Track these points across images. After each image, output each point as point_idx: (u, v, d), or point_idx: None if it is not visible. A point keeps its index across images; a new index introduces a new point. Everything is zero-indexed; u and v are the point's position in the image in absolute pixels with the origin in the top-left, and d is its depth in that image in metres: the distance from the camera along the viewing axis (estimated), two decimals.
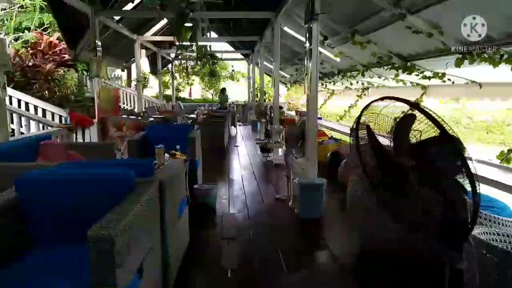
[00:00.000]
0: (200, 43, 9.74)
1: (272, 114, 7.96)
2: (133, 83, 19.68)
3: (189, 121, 8.13)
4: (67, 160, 3.22)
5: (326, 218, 3.94)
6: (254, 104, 13.82)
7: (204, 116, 10.65)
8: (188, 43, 7.61)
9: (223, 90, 14.39)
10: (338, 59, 7.69)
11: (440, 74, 5.05)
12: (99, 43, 6.39)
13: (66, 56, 8.45)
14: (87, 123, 6.11)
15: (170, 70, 15.96)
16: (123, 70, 14.74)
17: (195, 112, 10.84)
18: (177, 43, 7.17)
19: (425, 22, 4.06)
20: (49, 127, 6.57)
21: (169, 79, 19.93)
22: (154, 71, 15.81)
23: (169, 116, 10.03)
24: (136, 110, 10.75)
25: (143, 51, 10.17)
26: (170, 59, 15.33)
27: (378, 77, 7.09)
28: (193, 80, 20.71)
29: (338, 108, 20.26)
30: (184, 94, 21.40)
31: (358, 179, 2.43)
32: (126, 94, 13.07)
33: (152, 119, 8.26)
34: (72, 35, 7.42)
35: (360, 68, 7.44)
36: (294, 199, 4.23)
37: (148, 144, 4.84)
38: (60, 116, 7.28)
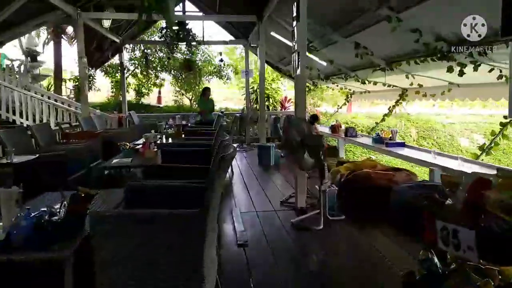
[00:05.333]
0: None
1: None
2: (70, 85, 13.86)
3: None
4: None
5: None
6: (264, 114, 8.18)
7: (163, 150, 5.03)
8: None
9: (206, 91, 8.72)
10: None
11: None
12: None
13: None
14: None
15: (120, 60, 10.10)
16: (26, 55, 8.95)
17: (143, 139, 5.12)
18: None
19: None
20: None
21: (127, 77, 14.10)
22: (91, 62, 9.99)
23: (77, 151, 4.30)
24: None
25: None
26: (117, 40, 9.55)
27: None
28: (163, 80, 14.88)
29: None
30: (150, 100, 15.57)
31: None
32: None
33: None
34: None
35: None
36: None
37: None
38: None
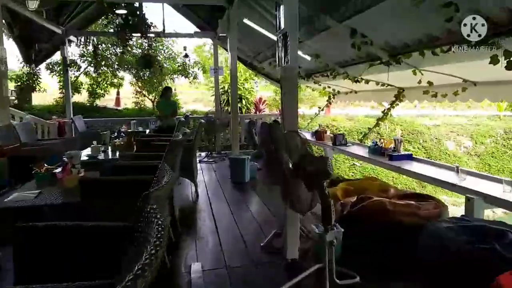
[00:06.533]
0: None
1: None
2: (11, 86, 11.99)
3: None
4: None
5: None
6: (237, 118, 6.93)
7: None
8: None
9: (166, 91, 7.35)
10: None
11: None
12: None
13: None
14: None
15: (62, 54, 8.48)
16: None
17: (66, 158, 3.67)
18: None
19: None
20: None
21: (76, 76, 12.44)
22: (27, 57, 8.39)
23: None
24: None
25: None
26: (58, 30, 8.00)
27: None
28: (121, 79, 13.27)
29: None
30: (107, 102, 13.91)
31: None
32: None
33: None
34: None
35: None
36: None
37: None
38: None
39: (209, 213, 4.21)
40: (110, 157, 5.02)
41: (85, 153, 5.00)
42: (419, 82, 4.62)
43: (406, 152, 4.77)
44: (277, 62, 2.88)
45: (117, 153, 5.14)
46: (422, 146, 11.75)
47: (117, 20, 6.43)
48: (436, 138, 12.17)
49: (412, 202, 3.18)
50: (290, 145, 2.50)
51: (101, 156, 4.96)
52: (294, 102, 2.63)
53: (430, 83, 4.66)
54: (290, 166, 2.39)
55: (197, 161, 7.30)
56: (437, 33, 3.60)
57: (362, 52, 4.70)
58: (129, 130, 7.48)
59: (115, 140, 5.49)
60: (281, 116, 2.74)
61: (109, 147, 5.27)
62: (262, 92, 17.11)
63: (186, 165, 4.80)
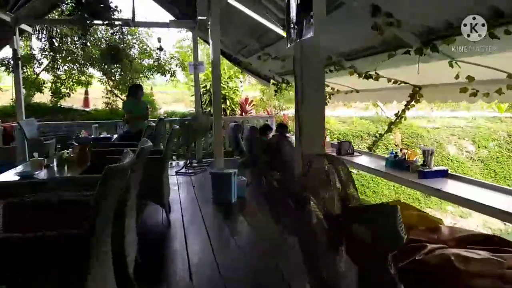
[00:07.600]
0: None
1: None
2: None
3: None
4: None
5: None
6: (220, 121, 5.84)
7: None
8: None
9: (136, 89, 6.17)
10: None
11: None
12: None
13: None
14: None
15: (11, 46, 7.18)
16: None
17: None
18: None
19: None
20: None
21: (37, 73, 11.11)
22: None
23: None
24: None
25: None
26: (6, 18, 6.71)
27: None
28: (90, 76, 11.89)
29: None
30: (75, 102, 12.51)
31: None
32: None
33: None
34: None
35: None
36: None
37: None
38: None
39: (182, 253, 3.08)
40: (55, 174, 3.88)
41: (19, 170, 3.83)
42: (457, 77, 3.61)
43: (440, 167, 3.73)
44: (287, 38, 1.79)
45: (65, 168, 3.99)
46: None
47: (68, 0, 5.22)
48: (437, 142, 11.32)
49: (486, 253, 2.14)
50: (315, 180, 1.40)
51: (42, 174, 3.79)
52: (319, 103, 1.53)
53: (470, 78, 3.64)
54: (322, 220, 1.30)
55: (173, 174, 6.17)
56: (503, 7, 2.59)
57: (383, 37, 3.66)
58: (91, 137, 6.28)
59: (63, 151, 4.27)
60: (296, 128, 1.63)
61: (54, 161, 4.09)
62: (248, 91, 16.01)
63: (153, 185, 3.67)
